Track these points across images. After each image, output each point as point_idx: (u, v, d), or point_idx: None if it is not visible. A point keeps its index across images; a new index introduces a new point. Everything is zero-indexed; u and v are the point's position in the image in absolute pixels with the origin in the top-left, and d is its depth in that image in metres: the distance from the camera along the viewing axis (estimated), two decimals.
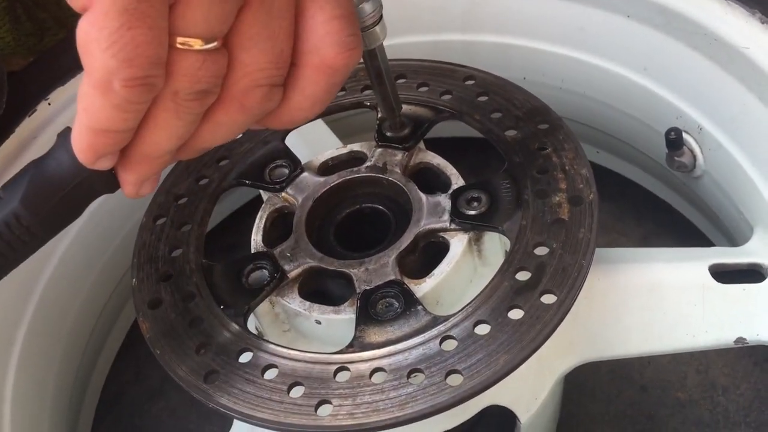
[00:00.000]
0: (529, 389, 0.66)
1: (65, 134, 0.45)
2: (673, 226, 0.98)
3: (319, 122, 0.79)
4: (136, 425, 0.93)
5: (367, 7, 0.51)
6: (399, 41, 0.91)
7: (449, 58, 0.77)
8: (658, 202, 0.98)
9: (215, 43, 0.38)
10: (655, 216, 1.01)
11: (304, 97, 0.42)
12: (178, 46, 0.37)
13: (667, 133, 0.78)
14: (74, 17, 0.40)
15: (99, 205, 0.81)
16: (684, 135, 0.79)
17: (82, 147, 0.40)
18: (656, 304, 0.67)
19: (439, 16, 0.90)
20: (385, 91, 0.63)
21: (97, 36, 0.35)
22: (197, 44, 0.38)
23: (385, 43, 0.57)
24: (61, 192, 0.45)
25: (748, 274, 0.67)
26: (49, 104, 0.81)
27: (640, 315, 0.67)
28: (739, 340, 0.66)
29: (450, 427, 0.63)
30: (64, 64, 0.84)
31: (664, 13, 0.76)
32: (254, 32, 0.39)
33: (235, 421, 0.69)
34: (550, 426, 0.78)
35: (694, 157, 0.79)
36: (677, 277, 0.67)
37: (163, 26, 0.36)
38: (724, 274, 0.67)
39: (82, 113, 0.39)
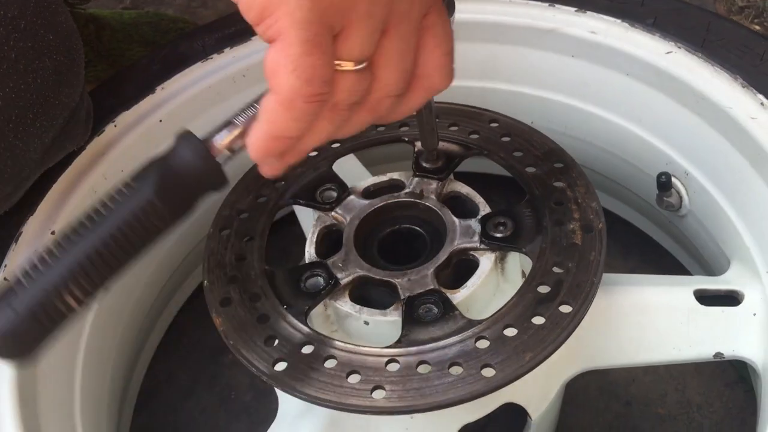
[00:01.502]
0: (540, 391, 0.76)
1: (187, 137, 0.53)
2: (656, 261, 1.10)
3: (351, 156, 0.89)
4: (169, 421, 1.01)
5: None
6: None
7: (467, 101, 0.89)
8: (643, 237, 1.10)
9: (365, 64, 0.49)
10: (641, 251, 1.12)
11: (408, 107, 0.54)
12: (338, 67, 0.48)
13: (659, 176, 0.90)
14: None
15: None
16: (672, 178, 0.91)
17: (259, 149, 0.50)
18: (648, 321, 0.78)
19: (460, 65, 1.02)
20: (429, 126, 0.74)
21: (284, 62, 0.45)
22: (350, 65, 0.48)
23: None
24: (187, 184, 0.53)
25: (727, 299, 0.79)
26: (115, 126, 0.91)
27: (633, 331, 0.78)
28: (718, 354, 0.77)
29: (472, 419, 0.73)
30: (127, 92, 0.94)
31: (658, 74, 0.88)
32: (391, 54, 0.49)
33: (278, 414, 0.78)
34: (552, 429, 0.88)
35: (681, 198, 0.91)
36: (667, 299, 0.78)
37: (331, 52, 0.46)
38: (706, 298, 0.78)
39: (265, 123, 0.48)
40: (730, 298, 0.79)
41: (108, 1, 1.57)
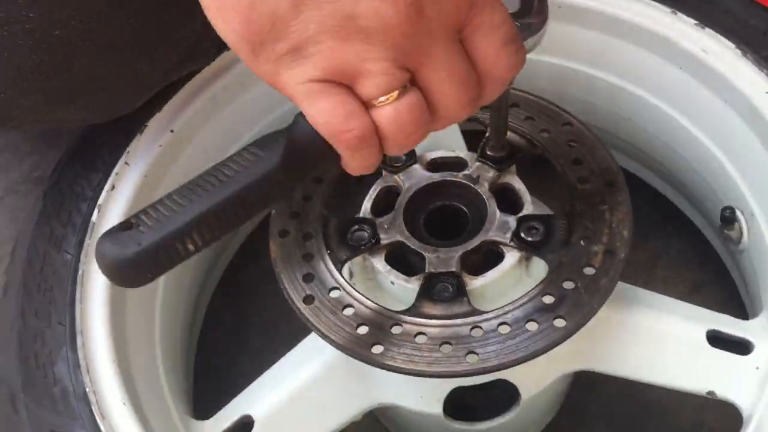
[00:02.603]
0: (535, 375, 0.85)
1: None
2: (724, 279, 1.10)
3: (455, 127, 0.96)
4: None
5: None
6: (536, 58, 1.06)
7: (572, 84, 0.94)
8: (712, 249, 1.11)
9: (396, 92, 0.55)
10: (712, 264, 1.13)
11: (487, 99, 0.59)
12: (377, 104, 0.55)
13: (723, 209, 0.92)
14: None
15: None
16: (737, 213, 0.92)
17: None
18: (655, 344, 0.84)
19: (568, 46, 1.04)
20: (501, 120, 0.80)
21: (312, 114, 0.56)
22: (382, 100, 0.55)
23: None
24: (309, 156, 0.58)
25: (737, 345, 0.82)
26: None
27: (640, 349, 0.84)
28: (711, 393, 0.82)
29: (464, 384, 0.83)
30: None
31: (752, 112, 0.88)
32: (437, 75, 0.55)
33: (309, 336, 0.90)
34: (549, 408, 0.97)
35: (742, 235, 0.93)
36: (677, 330, 0.83)
37: (348, 92, 0.55)
38: (717, 339, 0.83)
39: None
40: (741, 346, 0.83)
41: None
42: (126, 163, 0.92)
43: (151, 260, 0.57)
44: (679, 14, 0.95)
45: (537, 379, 0.86)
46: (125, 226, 0.57)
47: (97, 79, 0.79)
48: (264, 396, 0.84)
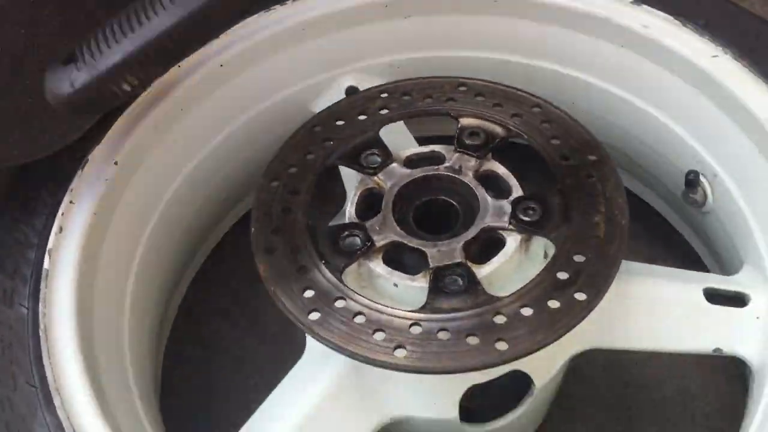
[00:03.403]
0: (546, 362, 0.82)
1: None
2: (677, 251, 1.13)
3: (401, 124, 0.94)
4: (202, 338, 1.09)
5: None
6: (474, 54, 1.06)
7: (513, 78, 0.93)
8: (668, 227, 1.13)
9: None
10: (664, 240, 1.15)
11: None
12: None
13: (687, 174, 0.94)
14: None
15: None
16: (700, 177, 0.95)
17: None
18: (657, 312, 0.84)
19: (508, 41, 1.05)
20: None
21: None
22: None
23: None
24: None
25: (734, 300, 0.84)
26: (179, 67, 0.95)
27: (642, 318, 0.84)
28: (717, 350, 0.83)
29: (481, 381, 0.79)
30: None
31: (702, 76, 0.91)
32: None
33: (306, 349, 0.84)
34: (551, 397, 0.95)
35: (706, 196, 0.95)
36: (677, 294, 0.84)
37: None
38: (714, 296, 0.83)
39: None
40: (737, 300, 0.84)
41: None
42: (71, 201, 0.83)
43: (85, 103, 0.58)
44: None
45: (548, 366, 0.83)
46: (68, 58, 0.56)
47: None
48: (270, 429, 0.77)
